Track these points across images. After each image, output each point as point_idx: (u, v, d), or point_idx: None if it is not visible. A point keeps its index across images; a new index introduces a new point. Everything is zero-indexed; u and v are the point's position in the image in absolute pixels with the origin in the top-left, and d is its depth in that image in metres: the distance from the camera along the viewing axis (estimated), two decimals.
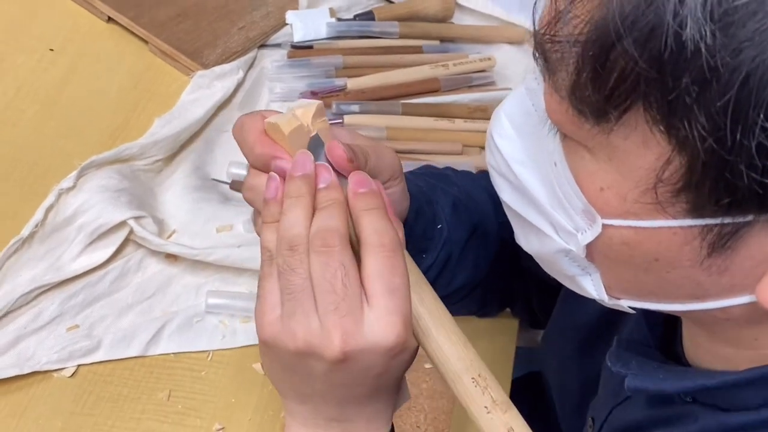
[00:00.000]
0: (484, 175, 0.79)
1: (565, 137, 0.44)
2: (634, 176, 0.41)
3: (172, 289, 0.83)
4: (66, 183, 0.83)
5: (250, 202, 0.59)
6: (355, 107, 0.98)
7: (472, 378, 0.52)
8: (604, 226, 0.44)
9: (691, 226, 0.41)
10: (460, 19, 1.14)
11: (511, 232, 0.75)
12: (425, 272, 0.67)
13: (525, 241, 0.53)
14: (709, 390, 0.49)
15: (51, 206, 0.83)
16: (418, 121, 0.99)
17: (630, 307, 0.49)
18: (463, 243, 0.70)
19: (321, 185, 0.53)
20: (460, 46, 1.09)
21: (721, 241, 0.41)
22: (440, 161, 0.97)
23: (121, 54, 1.03)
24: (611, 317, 0.68)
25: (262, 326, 0.52)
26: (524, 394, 0.90)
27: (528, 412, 0.92)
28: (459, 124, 0.99)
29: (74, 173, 0.84)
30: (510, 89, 1.05)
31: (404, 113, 0.99)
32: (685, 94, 0.36)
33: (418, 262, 0.67)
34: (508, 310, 0.87)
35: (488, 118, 1.01)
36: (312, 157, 0.54)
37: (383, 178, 0.58)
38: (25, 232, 0.81)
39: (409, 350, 0.52)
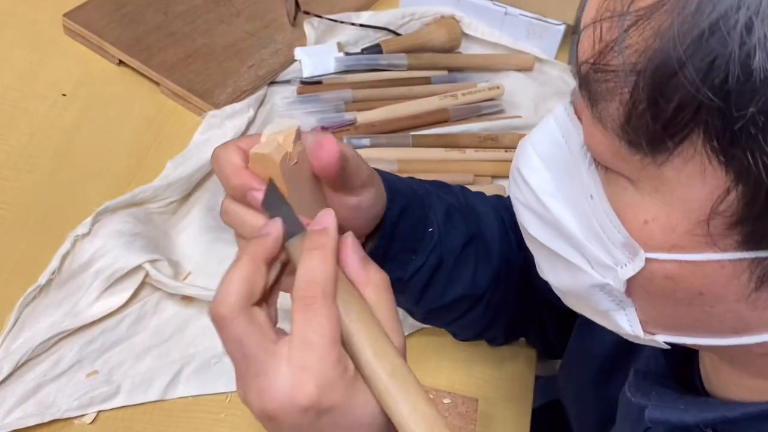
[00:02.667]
0: (496, 197, 0.79)
1: (605, 170, 0.43)
2: (685, 208, 0.40)
3: (189, 331, 0.83)
4: (81, 229, 0.84)
5: (228, 224, 0.57)
6: (366, 141, 0.99)
7: None
8: (647, 260, 0.43)
9: (740, 259, 0.40)
10: (467, 49, 1.14)
11: (519, 256, 0.75)
12: (415, 273, 0.68)
13: (554, 276, 0.52)
14: (730, 421, 0.49)
15: (67, 253, 0.83)
16: (429, 152, 1.00)
17: (666, 343, 0.48)
18: (458, 251, 0.70)
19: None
20: (468, 76, 1.10)
21: None
22: None
23: (133, 96, 1.04)
24: (627, 346, 0.67)
25: None
26: (545, 423, 0.90)
27: None
28: (470, 153, 1.00)
29: (89, 219, 0.85)
30: (520, 117, 1.05)
31: (415, 145, 1.00)
32: (750, 124, 0.35)
33: (407, 262, 0.67)
34: (523, 338, 0.87)
35: (499, 147, 1.02)
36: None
37: (357, 182, 0.58)
38: (42, 279, 0.81)
39: (333, 412, 0.47)
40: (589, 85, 0.40)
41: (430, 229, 0.68)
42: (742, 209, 0.38)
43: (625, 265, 0.44)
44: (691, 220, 0.40)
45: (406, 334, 0.85)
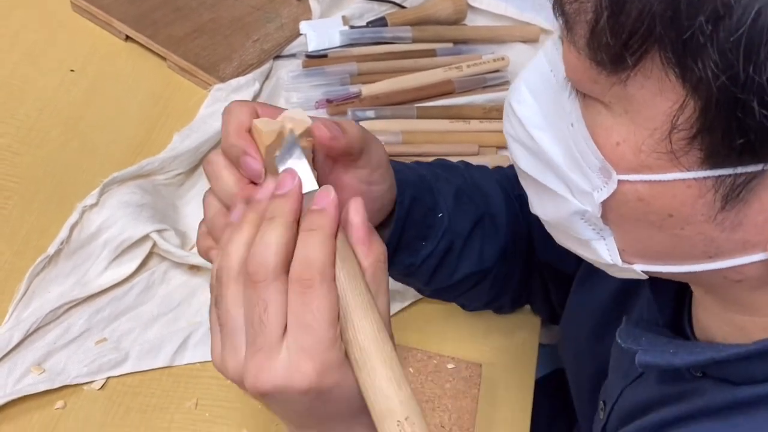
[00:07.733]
0: (498, 169, 0.80)
1: (583, 96, 0.46)
2: (649, 125, 0.42)
3: (196, 300, 0.84)
4: (89, 200, 0.85)
5: (206, 174, 0.58)
6: (371, 113, 0.99)
7: (398, 421, 0.47)
8: (619, 182, 0.45)
9: (705, 178, 0.42)
10: (472, 21, 1.14)
11: (524, 225, 0.76)
12: (425, 260, 0.69)
13: (540, 207, 0.54)
14: (719, 363, 0.50)
15: (75, 223, 0.85)
16: (434, 123, 1.00)
17: (643, 272, 0.50)
18: (467, 233, 0.71)
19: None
20: (474, 48, 1.10)
21: (734, 193, 0.42)
22: None
23: (140, 71, 1.05)
24: (622, 300, 0.68)
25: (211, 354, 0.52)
26: (548, 393, 0.91)
27: (551, 413, 0.92)
28: (474, 125, 1.00)
29: (97, 190, 0.86)
30: None
31: (419, 117, 1.00)
32: (699, 33, 0.37)
33: (418, 249, 0.69)
34: (528, 306, 0.88)
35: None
36: (272, 186, 0.51)
37: (371, 166, 0.58)
38: (51, 249, 0.83)
39: (332, 392, 0.48)
40: (563, 7, 0.43)
41: (440, 215, 0.69)
42: (698, 121, 0.40)
43: (601, 189, 0.46)
44: (655, 136, 0.42)
45: (410, 301, 0.86)
